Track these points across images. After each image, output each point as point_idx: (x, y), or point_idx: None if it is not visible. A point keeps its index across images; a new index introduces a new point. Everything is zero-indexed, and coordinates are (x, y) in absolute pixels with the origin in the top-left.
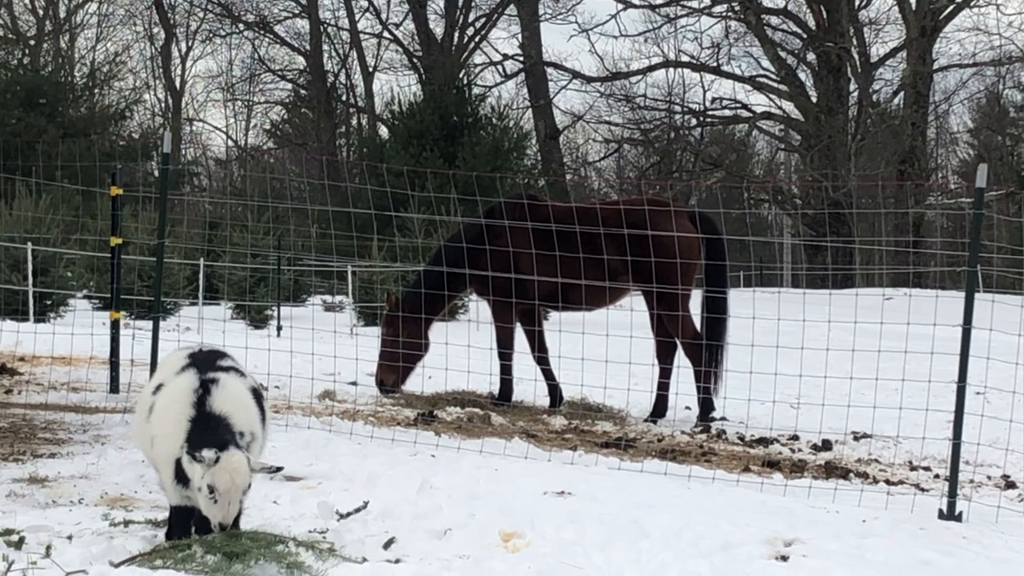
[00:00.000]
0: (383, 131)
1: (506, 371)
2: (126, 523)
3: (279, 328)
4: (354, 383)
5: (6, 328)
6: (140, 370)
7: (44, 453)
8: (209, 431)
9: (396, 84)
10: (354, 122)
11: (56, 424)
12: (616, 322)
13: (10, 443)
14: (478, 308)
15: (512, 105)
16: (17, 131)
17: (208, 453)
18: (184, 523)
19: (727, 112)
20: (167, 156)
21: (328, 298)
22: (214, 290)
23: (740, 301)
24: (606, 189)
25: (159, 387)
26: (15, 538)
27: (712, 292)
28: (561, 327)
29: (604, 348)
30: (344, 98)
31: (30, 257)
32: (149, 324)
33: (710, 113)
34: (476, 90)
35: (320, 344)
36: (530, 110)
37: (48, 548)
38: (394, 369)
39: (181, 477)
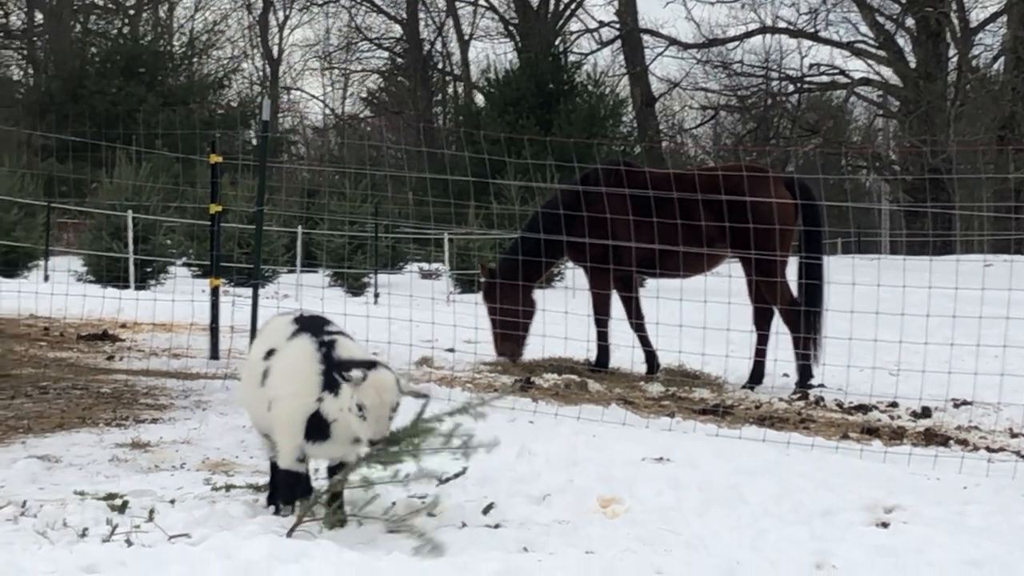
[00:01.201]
0: (479, 99)
1: (603, 338)
2: (228, 488)
3: (376, 295)
4: (451, 350)
5: (108, 295)
6: (240, 336)
7: (146, 418)
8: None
9: (492, 52)
10: (450, 90)
11: (158, 390)
12: (713, 288)
13: (113, 408)
14: (574, 275)
15: (608, 72)
16: (117, 100)
17: (357, 372)
18: (290, 488)
19: (824, 78)
20: (267, 123)
21: (425, 265)
22: (312, 257)
23: (839, 268)
24: (702, 156)
25: (270, 352)
26: (119, 502)
27: (809, 259)
28: (658, 293)
29: (702, 314)
30: (440, 66)
31: (131, 225)
32: (248, 291)
33: (807, 79)
34: (572, 57)
35: (417, 311)
36: (626, 77)
37: (151, 512)
38: (510, 338)
39: (315, 432)
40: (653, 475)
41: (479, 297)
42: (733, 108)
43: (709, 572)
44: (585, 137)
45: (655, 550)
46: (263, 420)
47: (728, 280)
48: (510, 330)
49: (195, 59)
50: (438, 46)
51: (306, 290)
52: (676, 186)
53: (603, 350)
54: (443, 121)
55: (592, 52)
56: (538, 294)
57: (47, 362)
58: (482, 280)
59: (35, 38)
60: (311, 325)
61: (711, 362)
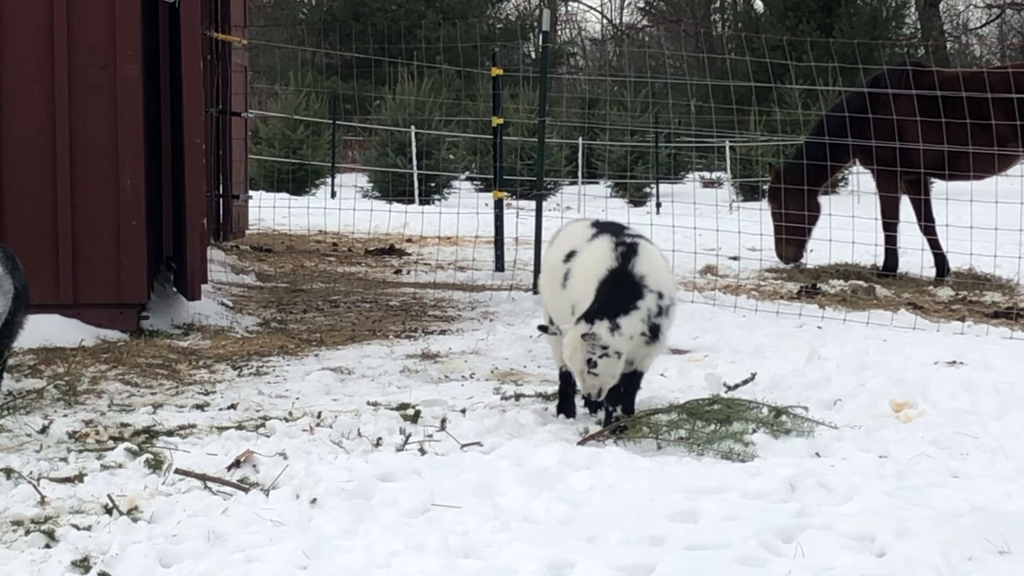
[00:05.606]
0: (758, 4)
1: (891, 242)
2: (517, 397)
3: (659, 204)
4: (735, 258)
5: (394, 210)
6: (524, 248)
7: (435, 330)
8: (625, 288)
9: None
10: None
11: (445, 302)
12: (1005, 190)
13: (402, 321)
14: (858, 180)
15: None
16: (398, 17)
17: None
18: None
19: None
20: (546, 35)
21: (706, 174)
22: (593, 168)
23: None
24: (988, 57)
25: (571, 254)
26: (411, 412)
27: None
28: (948, 196)
29: (993, 217)
30: None
31: (414, 141)
32: (531, 203)
33: None
34: None
35: (700, 219)
36: None
37: (443, 421)
38: (791, 242)
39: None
40: (947, 378)
41: (764, 204)
42: (1020, 6)
43: (1008, 475)
44: (867, 40)
45: (951, 454)
46: (565, 321)
47: (1020, 180)
48: (793, 234)
49: None
50: None
51: (588, 201)
52: (966, 86)
53: (891, 254)
54: (722, 27)
55: None
56: (823, 200)
57: (337, 277)
58: (768, 184)
59: None
60: (610, 229)
61: (1003, 265)
